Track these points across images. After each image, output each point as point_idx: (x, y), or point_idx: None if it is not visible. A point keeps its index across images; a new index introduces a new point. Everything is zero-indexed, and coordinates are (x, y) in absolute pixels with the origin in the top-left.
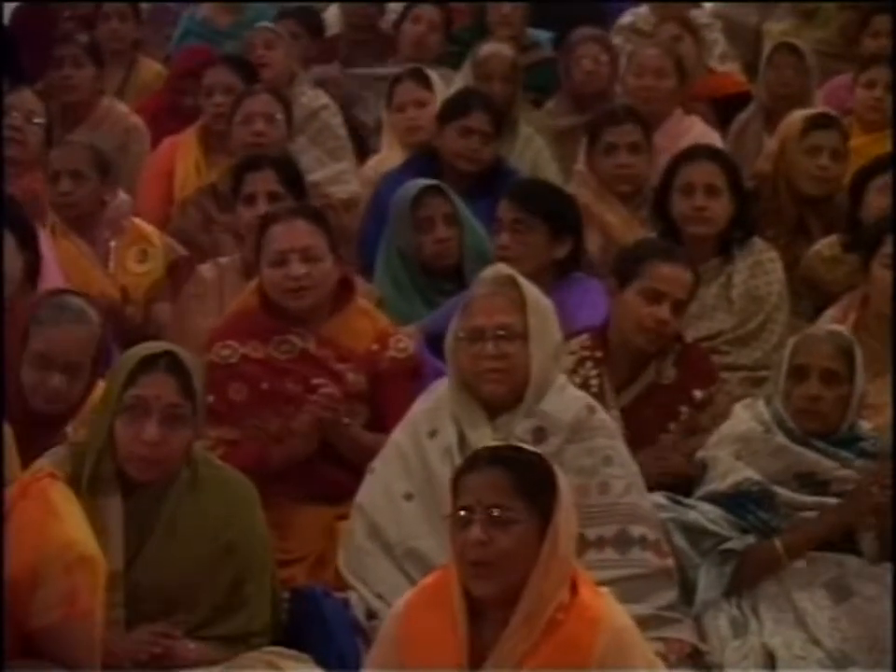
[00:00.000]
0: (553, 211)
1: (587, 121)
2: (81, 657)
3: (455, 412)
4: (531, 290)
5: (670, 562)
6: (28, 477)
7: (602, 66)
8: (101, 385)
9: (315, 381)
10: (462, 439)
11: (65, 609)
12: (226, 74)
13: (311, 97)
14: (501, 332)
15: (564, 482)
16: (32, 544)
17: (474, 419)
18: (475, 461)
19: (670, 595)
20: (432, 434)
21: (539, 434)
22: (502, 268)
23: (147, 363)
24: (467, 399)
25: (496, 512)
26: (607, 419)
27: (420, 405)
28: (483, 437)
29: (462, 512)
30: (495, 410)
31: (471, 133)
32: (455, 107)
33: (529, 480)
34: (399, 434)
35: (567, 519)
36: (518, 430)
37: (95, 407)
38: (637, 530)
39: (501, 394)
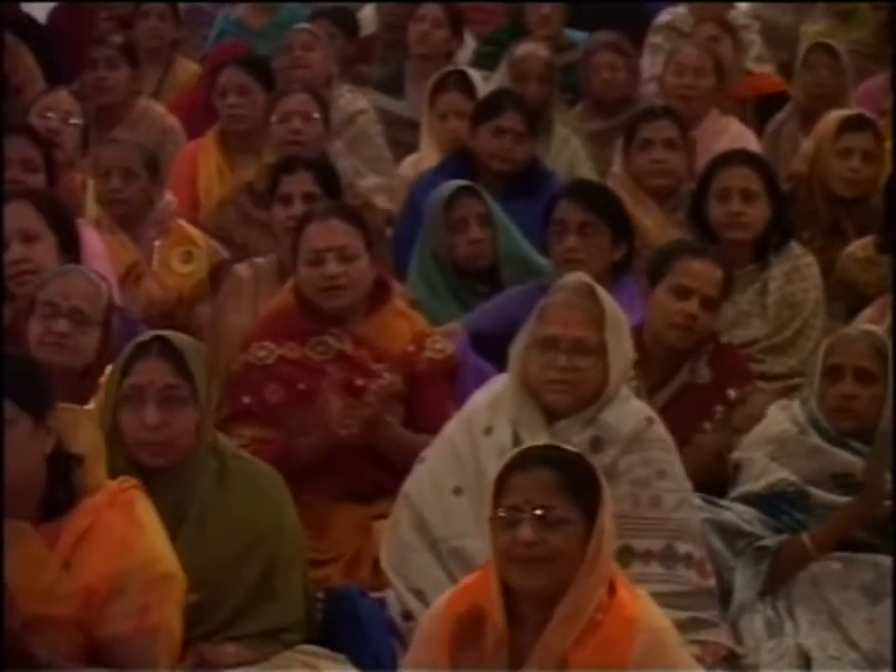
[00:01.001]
0: (615, 213)
1: (624, 120)
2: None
3: (514, 414)
4: (611, 304)
5: (712, 582)
6: (115, 486)
7: (619, 73)
8: None
9: (357, 382)
10: (517, 441)
11: (137, 621)
12: (239, 74)
13: (348, 100)
14: (576, 345)
15: (604, 482)
16: (115, 555)
17: (532, 424)
18: (522, 461)
19: (710, 613)
20: (487, 431)
21: (597, 443)
22: (582, 276)
23: (141, 350)
24: (527, 402)
25: (545, 513)
26: (664, 432)
27: (478, 398)
28: (539, 441)
29: (509, 511)
30: (553, 415)
31: (504, 132)
32: (488, 108)
33: (576, 480)
34: (453, 427)
35: (609, 519)
36: (575, 439)
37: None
38: (683, 547)
39: (564, 404)
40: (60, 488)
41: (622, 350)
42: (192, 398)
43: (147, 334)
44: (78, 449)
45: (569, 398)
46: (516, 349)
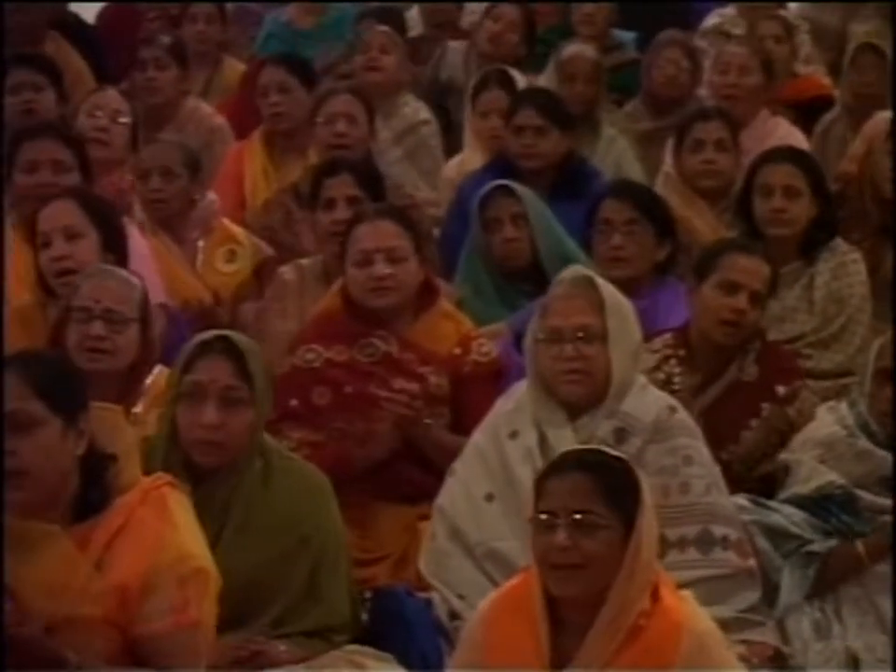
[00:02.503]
0: (660, 213)
1: (676, 121)
2: (185, 667)
3: (536, 413)
4: (609, 291)
5: (753, 562)
6: (148, 483)
7: (683, 72)
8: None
9: (395, 382)
10: (543, 440)
11: (174, 618)
12: (280, 73)
13: (413, 109)
14: (580, 334)
15: (646, 486)
16: (148, 552)
17: (555, 420)
18: (560, 465)
19: (753, 595)
20: (513, 435)
21: (621, 435)
22: (579, 269)
23: (203, 348)
24: (547, 400)
25: (581, 517)
26: (687, 419)
27: (500, 407)
28: (564, 438)
29: (545, 516)
30: (575, 411)
31: (522, 130)
32: (509, 109)
33: (614, 485)
34: (479, 435)
35: (649, 524)
36: (599, 431)
37: (163, 400)
38: (718, 530)
39: (580, 395)
40: (93, 489)
41: (626, 335)
42: (250, 400)
43: (210, 332)
44: (113, 449)
45: (583, 388)
46: (527, 347)
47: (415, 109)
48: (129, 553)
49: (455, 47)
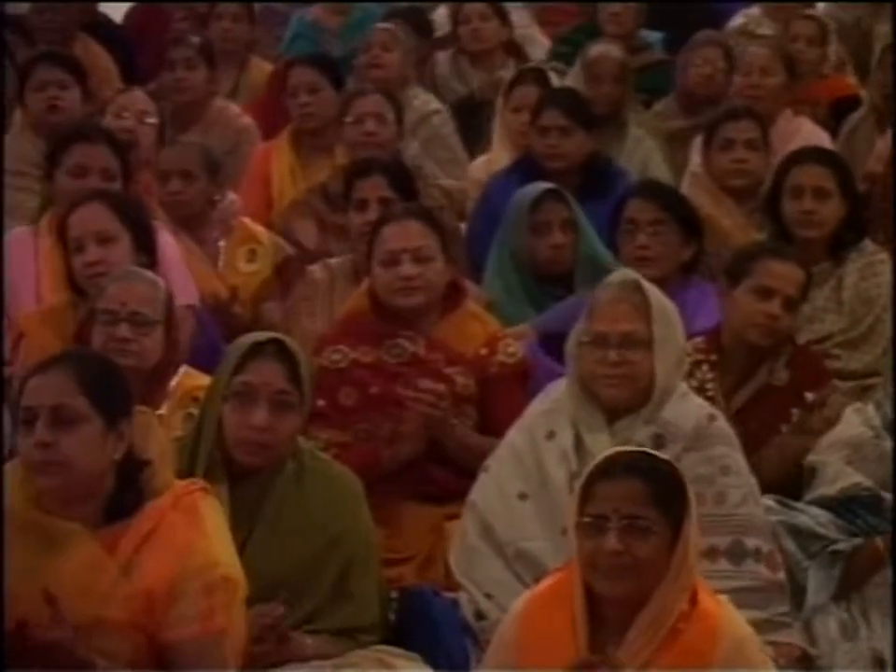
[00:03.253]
0: (685, 212)
1: (706, 120)
2: None
3: (574, 415)
4: (656, 296)
5: (782, 575)
6: (181, 488)
7: (719, 72)
8: (195, 375)
9: (421, 383)
10: (579, 442)
11: (200, 625)
12: (310, 73)
13: (423, 101)
14: (625, 340)
15: (692, 491)
16: (176, 558)
17: (593, 423)
18: (609, 469)
19: (782, 608)
20: (549, 436)
21: (658, 441)
22: (628, 272)
23: (256, 350)
24: (586, 402)
25: (632, 522)
26: (726, 428)
27: (537, 406)
28: (601, 442)
29: (594, 519)
30: (614, 414)
31: (547, 130)
32: (534, 109)
33: (663, 489)
34: (515, 434)
35: (695, 528)
36: (637, 437)
37: (205, 397)
38: (751, 542)
39: (621, 399)
40: (126, 491)
41: (671, 343)
42: (298, 404)
43: (263, 334)
44: (147, 452)
45: (624, 392)
46: (570, 349)
47: (424, 101)
48: (157, 558)
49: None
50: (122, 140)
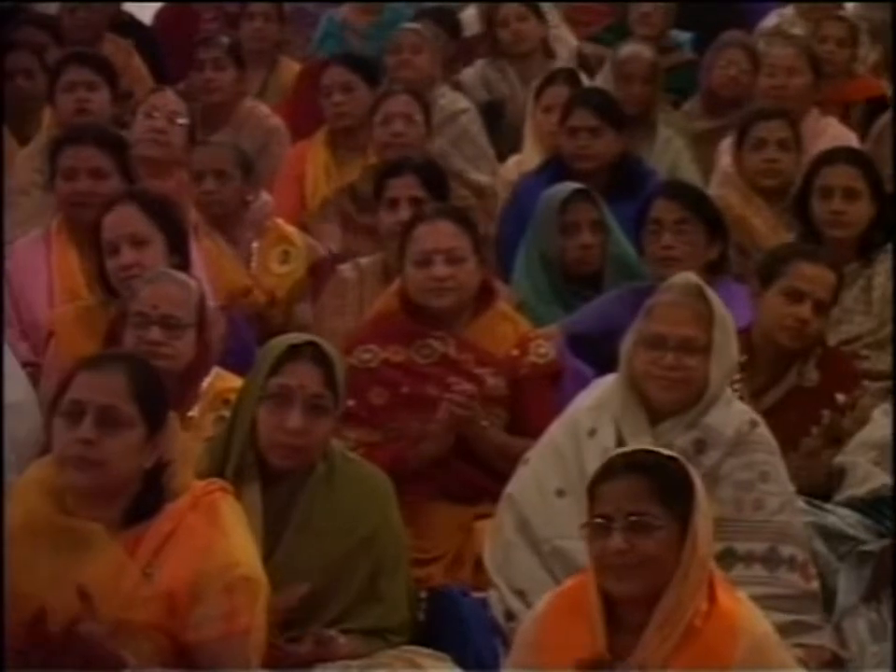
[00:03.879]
0: (710, 212)
1: (734, 121)
2: None
3: (618, 414)
4: (718, 304)
5: (815, 585)
6: (200, 488)
7: (743, 74)
8: (227, 377)
9: (451, 380)
10: (620, 443)
11: (224, 626)
12: (343, 72)
13: (450, 100)
14: (683, 344)
15: (699, 483)
16: (196, 559)
17: (635, 424)
18: (611, 468)
19: (813, 618)
20: (591, 433)
21: (700, 446)
22: (690, 276)
23: (293, 352)
24: (632, 402)
25: (636, 519)
26: (767, 434)
27: (582, 401)
28: (642, 444)
29: (600, 520)
30: (658, 416)
31: (576, 131)
32: (564, 110)
33: (667, 484)
34: (556, 428)
35: (704, 521)
36: (679, 441)
37: (238, 398)
38: (786, 550)
39: (670, 402)
40: (148, 493)
41: (727, 351)
42: (333, 407)
43: (299, 337)
44: (168, 454)
45: (675, 394)
46: (625, 347)
47: (452, 100)
48: (178, 559)
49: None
50: (116, 138)
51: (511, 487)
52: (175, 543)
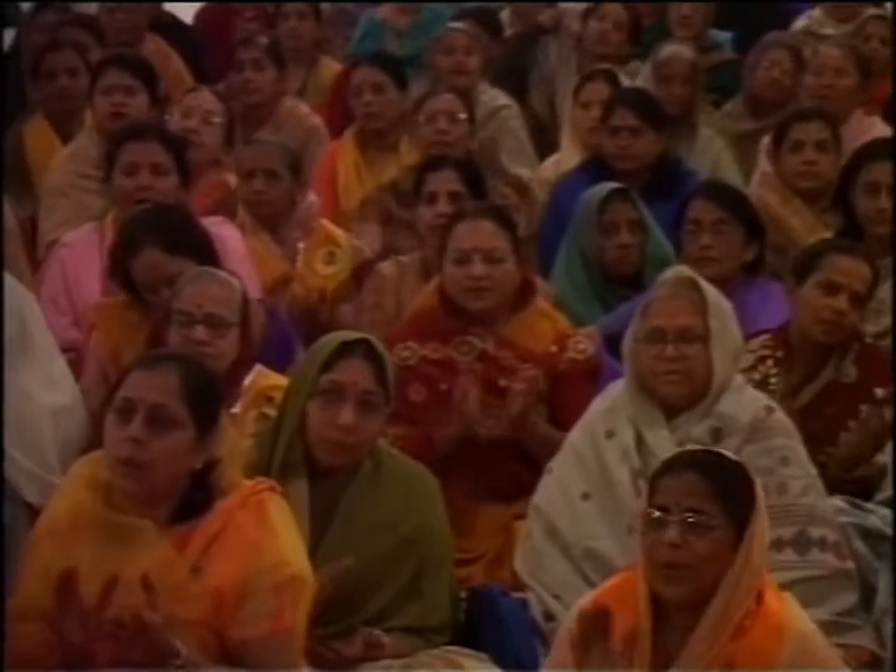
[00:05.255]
0: (748, 213)
1: (777, 121)
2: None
3: (633, 413)
4: (712, 292)
5: (850, 564)
6: (249, 487)
7: (787, 75)
8: (269, 375)
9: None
10: (640, 440)
11: (270, 624)
12: (374, 72)
13: (491, 96)
14: (682, 334)
15: (760, 490)
16: (245, 558)
17: (652, 420)
18: (675, 464)
19: (851, 597)
20: (609, 435)
21: (717, 435)
22: (682, 269)
23: (345, 349)
24: (644, 399)
25: (692, 517)
26: (784, 419)
27: (596, 406)
28: (662, 438)
29: (657, 512)
30: (672, 411)
31: (618, 131)
32: (605, 110)
33: (728, 486)
34: (575, 434)
35: (762, 528)
36: (696, 431)
37: (286, 393)
38: (816, 531)
39: (679, 396)
40: (197, 491)
41: (727, 337)
42: (383, 405)
43: (350, 334)
44: (216, 450)
45: (683, 388)
46: (627, 347)
47: (493, 97)
48: (226, 557)
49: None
50: (176, 136)
51: (537, 497)
52: (223, 541)
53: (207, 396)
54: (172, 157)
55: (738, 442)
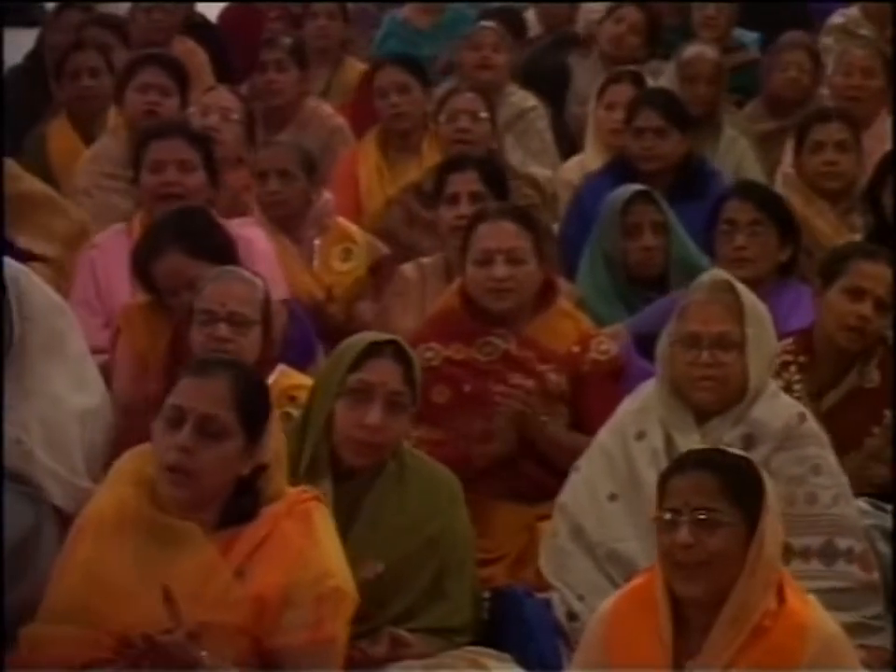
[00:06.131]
0: (783, 214)
1: (796, 122)
2: None
3: (664, 415)
4: (749, 297)
5: (876, 576)
6: (295, 495)
7: (805, 75)
8: (292, 374)
9: (511, 378)
10: (669, 442)
11: (309, 633)
12: (399, 73)
13: (520, 97)
14: (718, 340)
15: (770, 485)
16: (289, 567)
17: (683, 424)
18: (683, 464)
19: (875, 609)
20: (639, 436)
21: (749, 441)
22: (719, 273)
23: (373, 349)
24: (676, 403)
25: (703, 515)
26: (816, 427)
27: (627, 406)
28: (691, 442)
29: (668, 515)
30: (703, 415)
31: (642, 132)
32: (629, 111)
33: (737, 483)
34: (604, 434)
35: (773, 523)
36: (727, 437)
37: (312, 393)
38: (843, 542)
39: (712, 401)
40: (244, 497)
41: (764, 343)
42: (410, 406)
43: (379, 334)
44: (264, 457)
45: (716, 395)
46: (661, 350)
47: (522, 97)
48: (270, 564)
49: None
50: (202, 134)
51: (564, 496)
52: (268, 548)
53: (257, 403)
54: (199, 154)
55: (769, 450)
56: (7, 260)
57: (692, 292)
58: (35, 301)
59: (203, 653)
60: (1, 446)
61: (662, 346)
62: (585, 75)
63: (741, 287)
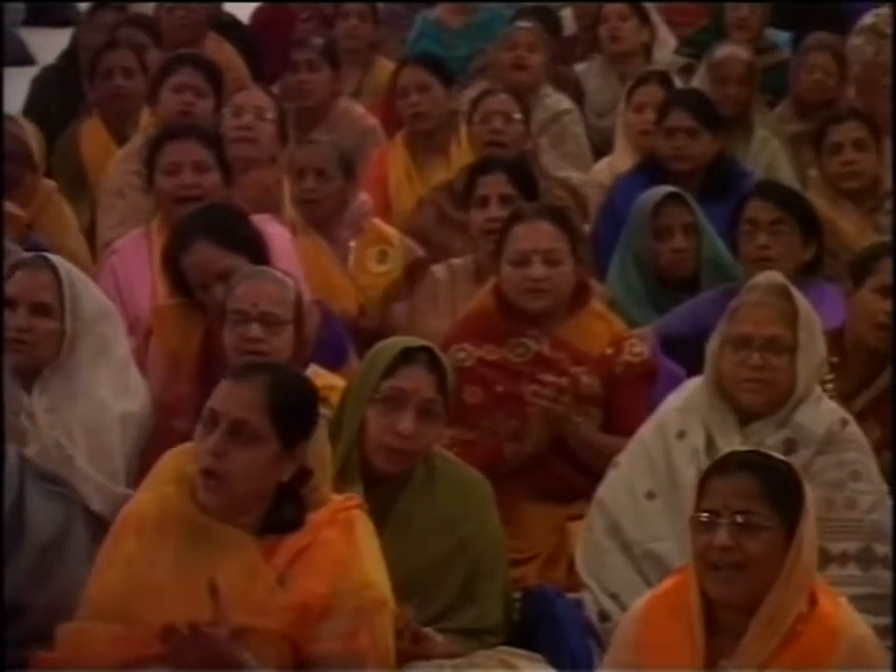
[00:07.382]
0: (805, 213)
1: (814, 127)
2: None
3: (706, 415)
4: (803, 303)
5: None
6: (338, 503)
7: (830, 77)
8: (323, 375)
9: (545, 377)
10: (710, 443)
11: (345, 642)
12: (419, 72)
13: (555, 100)
14: (769, 343)
15: (809, 490)
16: (330, 575)
17: (725, 425)
18: (723, 465)
19: None
20: (680, 435)
21: (790, 445)
22: (775, 276)
23: (407, 356)
24: (720, 404)
25: (742, 518)
26: (859, 433)
27: (671, 403)
28: (733, 444)
29: (707, 515)
30: (747, 416)
31: (674, 132)
32: (660, 110)
33: (777, 487)
34: (646, 431)
35: (811, 528)
36: (769, 440)
37: (344, 398)
38: (881, 549)
39: (758, 404)
40: (288, 503)
41: (814, 349)
42: (443, 414)
43: (412, 341)
44: (308, 462)
45: (763, 397)
46: (711, 349)
47: (557, 100)
48: (312, 572)
49: None
50: (214, 133)
51: (602, 491)
52: (310, 556)
53: (296, 409)
54: (212, 154)
55: (811, 454)
56: (62, 261)
57: (745, 293)
58: (87, 304)
59: (247, 655)
60: (2, 439)
61: (712, 345)
62: (593, 80)
63: (796, 292)
